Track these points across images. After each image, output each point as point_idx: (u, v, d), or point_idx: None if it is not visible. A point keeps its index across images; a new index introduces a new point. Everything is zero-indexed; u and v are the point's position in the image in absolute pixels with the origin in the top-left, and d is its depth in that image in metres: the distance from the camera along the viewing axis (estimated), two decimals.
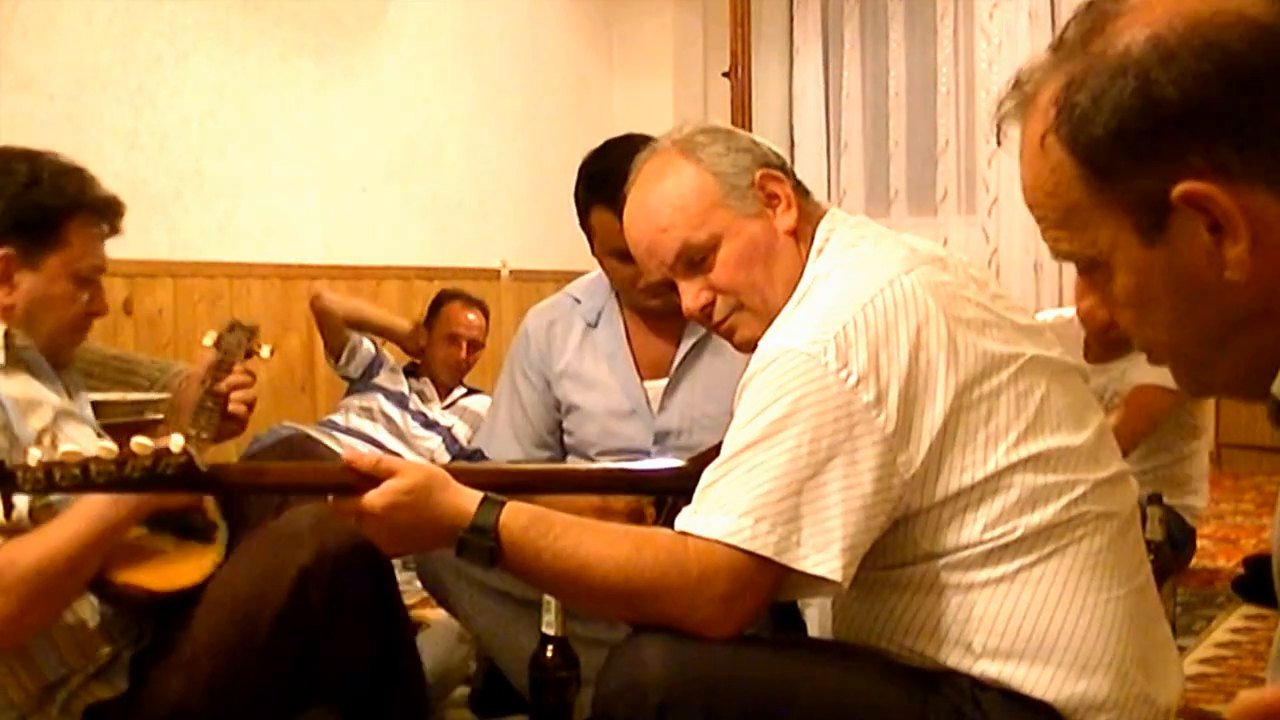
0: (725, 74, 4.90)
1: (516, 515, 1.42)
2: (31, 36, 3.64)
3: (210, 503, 1.91)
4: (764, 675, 1.44)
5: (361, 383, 4.04)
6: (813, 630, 1.61)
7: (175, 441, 1.39)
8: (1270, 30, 0.79)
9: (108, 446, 1.37)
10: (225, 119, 4.17)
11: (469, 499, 1.43)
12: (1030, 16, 5.85)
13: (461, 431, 4.03)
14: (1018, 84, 0.88)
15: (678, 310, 2.33)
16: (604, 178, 2.24)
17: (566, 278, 2.66)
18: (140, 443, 1.37)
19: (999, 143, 0.91)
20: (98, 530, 1.74)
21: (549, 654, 1.84)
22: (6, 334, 1.83)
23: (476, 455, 3.68)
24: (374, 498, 1.41)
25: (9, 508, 1.42)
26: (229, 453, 3.32)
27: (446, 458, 3.87)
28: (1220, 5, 0.80)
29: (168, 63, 4.02)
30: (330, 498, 1.47)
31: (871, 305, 1.42)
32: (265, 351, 2.17)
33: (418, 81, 4.91)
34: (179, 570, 1.83)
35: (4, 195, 1.89)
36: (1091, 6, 0.85)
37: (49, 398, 1.85)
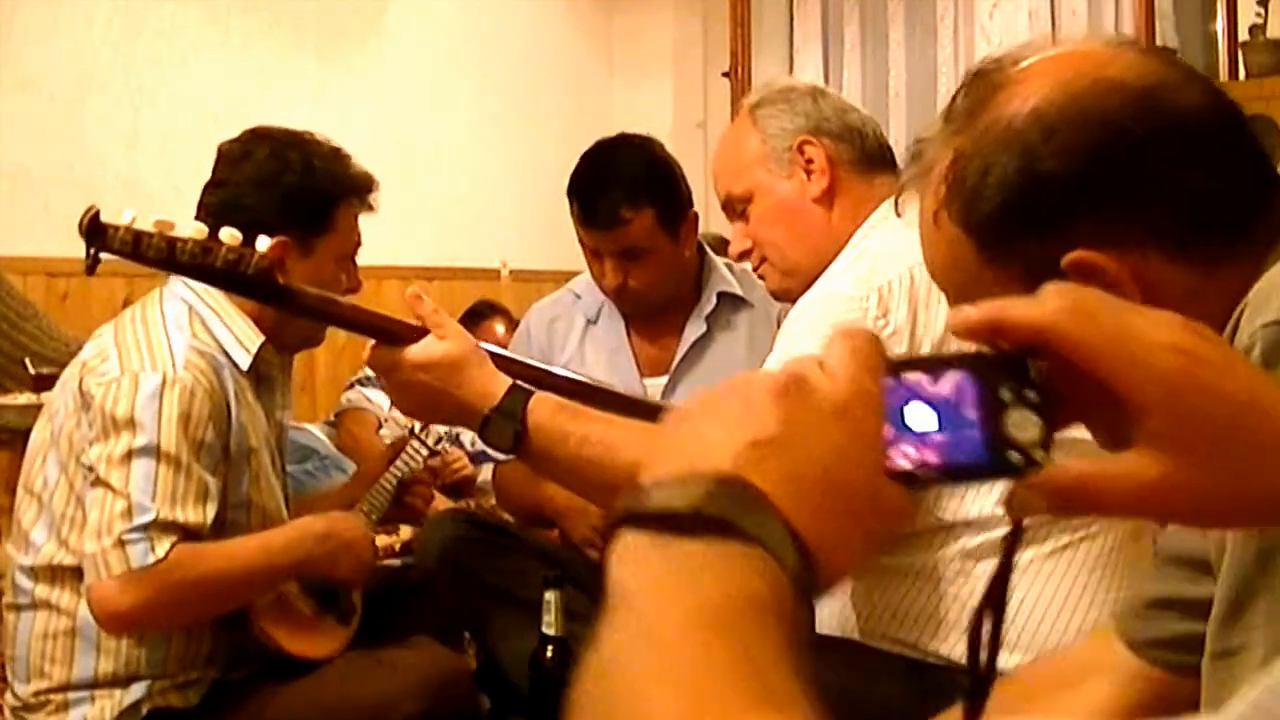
0: (725, 74, 4.91)
1: (544, 401, 1.43)
2: (31, 36, 3.64)
3: (356, 592, 1.95)
4: None
5: (369, 381, 4.02)
6: (822, 622, 1.61)
7: (262, 241, 1.38)
8: (1149, 96, 0.80)
9: (200, 228, 1.35)
10: (225, 119, 4.16)
11: (499, 384, 1.42)
12: (1030, 16, 5.85)
13: (468, 436, 4.01)
14: (918, 154, 0.89)
15: (659, 310, 2.35)
16: (576, 176, 2.29)
17: (566, 278, 2.66)
18: (232, 234, 1.36)
19: (899, 214, 0.92)
20: (269, 569, 1.78)
21: (549, 654, 1.84)
22: (262, 346, 1.85)
23: (480, 456, 3.68)
24: (410, 352, 1.40)
25: (95, 262, 1.39)
26: None
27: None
28: (1099, 73, 0.81)
29: (168, 63, 4.01)
30: (371, 343, 1.45)
31: (920, 267, 1.44)
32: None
33: (418, 81, 4.91)
34: (312, 640, 1.88)
35: (281, 185, 1.88)
36: (978, 77, 0.87)
37: (260, 424, 1.87)
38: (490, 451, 3.00)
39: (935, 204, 0.86)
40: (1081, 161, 0.79)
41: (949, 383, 0.62)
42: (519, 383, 1.44)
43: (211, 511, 1.73)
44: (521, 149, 5.29)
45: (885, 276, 1.44)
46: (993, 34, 5.97)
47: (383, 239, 4.68)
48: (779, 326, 1.61)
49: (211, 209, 1.90)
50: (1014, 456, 0.61)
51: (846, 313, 1.42)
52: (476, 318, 4.07)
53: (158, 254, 1.36)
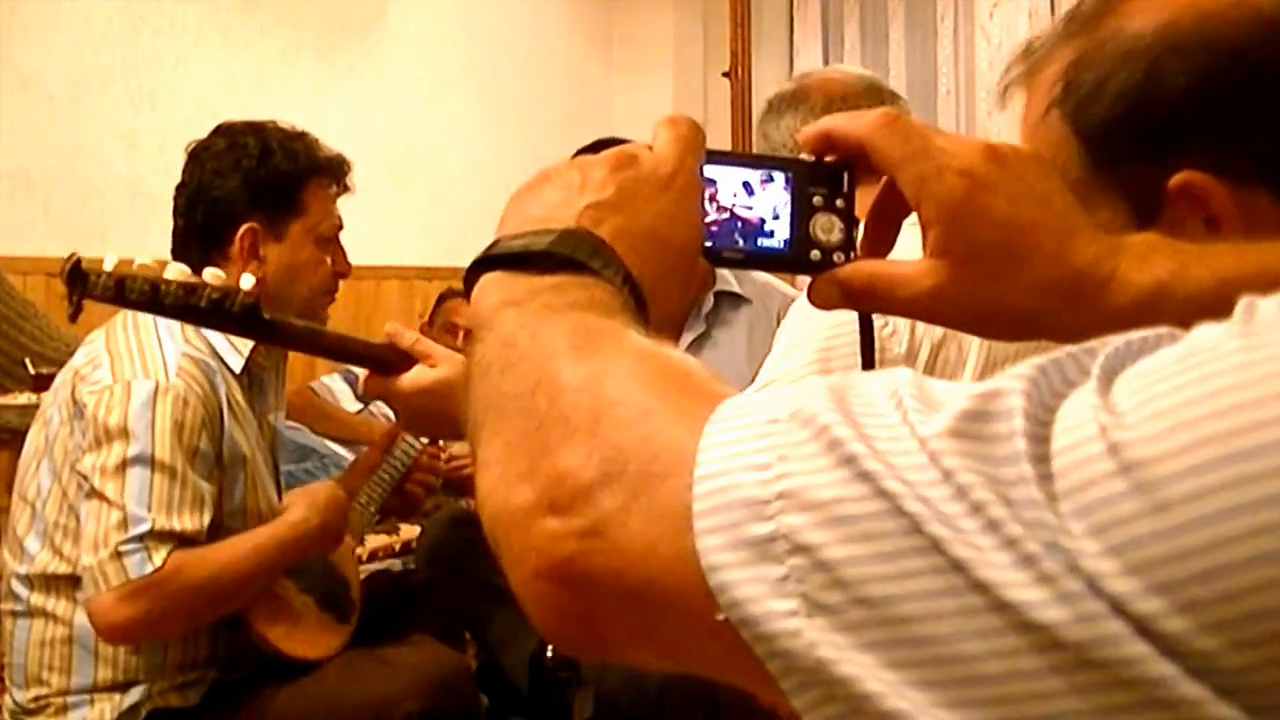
0: (725, 74, 4.90)
1: None
2: (31, 36, 3.64)
3: (355, 587, 1.94)
4: None
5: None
6: None
7: (246, 280, 1.38)
8: None
9: (182, 269, 1.35)
10: (225, 119, 4.16)
11: None
12: (1030, 16, 5.85)
13: None
14: (1028, 51, 0.88)
15: None
16: None
17: None
18: (215, 274, 1.36)
19: (1003, 107, 0.90)
20: (263, 567, 1.77)
21: (549, 654, 1.84)
22: (254, 348, 1.84)
23: None
24: (404, 381, 1.40)
25: (78, 310, 1.39)
26: None
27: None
28: None
29: (168, 63, 4.01)
30: (365, 373, 1.45)
31: None
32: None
33: (418, 81, 4.91)
34: (311, 640, 1.87)
35: (240, 170, 1.89)
36: None
37: (252, 428, 1.87)
38: None
39: (1048, 101, 0.85)
40: (1206, 84, 0.77)
41: (766, 179, 0.69)
42: None
43: (207, 518, 1.72)
44: (522, 149, 5.29)
45: None
46: (993, 34, 5.97)
47: (383, 239, 4.72)
48: (779, 323, 1.61)
49: (180, 208, 1.90)
50: (814, 254, 0.69)
51: (844, 313, 1.41)
52: (442, 303, 4.16)
53: (141, 297, 1.36)
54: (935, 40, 6.13)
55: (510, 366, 0.53)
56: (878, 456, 0.40)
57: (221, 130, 1.95)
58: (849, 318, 1.40)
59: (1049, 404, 0.39)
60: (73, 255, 1.36)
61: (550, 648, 1.84)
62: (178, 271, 1.34)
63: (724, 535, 0.42)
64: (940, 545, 0.38)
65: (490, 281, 0.60)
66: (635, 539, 0.44)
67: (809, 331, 1.43)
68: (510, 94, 5.32)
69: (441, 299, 4.23)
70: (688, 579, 0.42)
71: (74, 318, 1.38)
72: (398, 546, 3.12)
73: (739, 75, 4.74)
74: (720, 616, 0.42)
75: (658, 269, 0.62)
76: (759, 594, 0.41)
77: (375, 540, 3.12)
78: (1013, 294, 0.66)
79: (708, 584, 0.42)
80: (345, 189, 1.99)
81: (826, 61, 6.44)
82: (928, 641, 0.38)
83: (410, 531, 3.19)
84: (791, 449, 0.42)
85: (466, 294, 0.61)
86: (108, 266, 1.35)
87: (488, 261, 0.61)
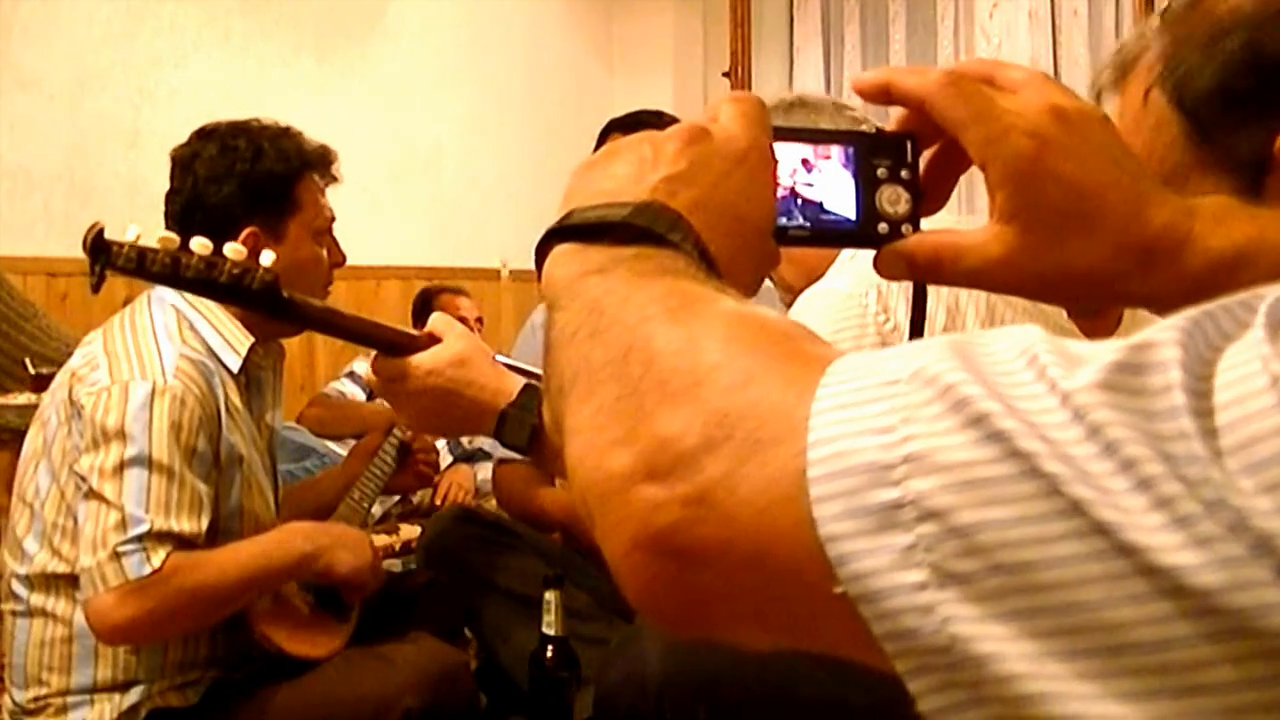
0: (725, 74, 4.91)
1: None
2: (32, 36, 3.64)
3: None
4: (764, 668, 1.45)
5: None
6: None
7: (267, 256, 1.36)
8: None
9: (205, 243, 1.34)
10: (225, 119, 4.16)
11: (512, 381, 1.38)
12: (1030, 16, 5.85)
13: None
14: (1118, 52, 0.88)
15: None
16: None
17: None
18: (236, 249, 1.34)
19: None
20: (265, 573, 1.77)
21: (549, 654, 1.84)
22: (252, 348, 1.84)
23: (477, 455, 3.68)
24: (418, 357, 1.36)
25: (101, 280, 1.37)
26: None
27: (449, 459, 3.87)
28: None
29: (168, 63, 4.02)
30: (374, 355, 1.43)
31: None
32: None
33: (418, 81, 4.91)
34: (311, 640, 1.87)
35: (234, 174, 1.88)
36: None
37: (249, 429, 1.87)
38: (488, 449, 2.98)
39: (1147, 83, 0.85)
40: None
41: (830, 154, 0.68)
42: (531, 382, 1.42)
43: (205, 520, 1.72)
44: (522, 149, 5.29)
45: None
46: (993, 34, 5.97)
47: (383, 239, 4.72)
48: None
49: (175, 215, 1.89)
50: (882, 227, 0.67)
51: (846, 310, 1.41)
52: (429, 301, 4.13)
53: (162, 270, 1.35)
54: (935, 40, 6.13)
55: (599, 332, 0.51)
56: (1012, 414, 0.38)
57: (206, 134, 1.95)
58: (850, 317, 1.40)
59: (1206, 357, 0.37)
60: (95, 225, 1.35)
61: (550, 648, 1.84)
62: (200, 245, 1.33)
63: (843, 502, 0.39)
64: (1082, 507, 0.36)
65: (564, 253, 0.58)
66: (744, 507, 0.42)
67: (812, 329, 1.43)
68: (510, 94, 5.32)
69: (429, 297, 4.18)
70: (802, 549, 0.40)
71: (96, 288, 1.37)
72: (398, 546, 3.12)
73: (739, 75, 4.74)
74: (839, 590, 0.39)
75: (733, 246, 0.59)
76: (884, 565, 0.38)
77: (375, 540, 3.11)
78: (1083, 258, 0.64)
79: (826, 555, 0.39)
80: (333, 179, 1.99)
81: (827, 61, 6.44)
82: (1071, 609, 0.36)
83: (410, 531, 3.19)
84: (915, 410, 0.39)
85: (538, 267, 0.60)
86: (130, 238, 1.34)
87: (560, 233, 0.59)
